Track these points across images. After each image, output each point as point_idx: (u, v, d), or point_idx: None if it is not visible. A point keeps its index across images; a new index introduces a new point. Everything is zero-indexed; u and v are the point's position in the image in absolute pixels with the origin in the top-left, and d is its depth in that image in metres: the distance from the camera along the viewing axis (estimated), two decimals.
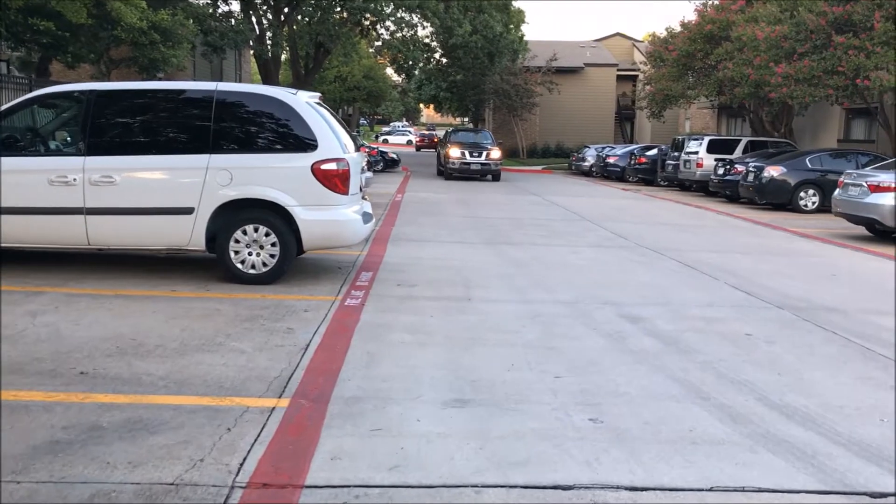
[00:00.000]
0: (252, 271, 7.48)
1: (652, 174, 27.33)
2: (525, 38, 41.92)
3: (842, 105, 21.67)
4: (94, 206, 7.36)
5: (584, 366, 5.23)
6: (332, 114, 8.18)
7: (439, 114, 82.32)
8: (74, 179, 7.34)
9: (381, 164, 29.91)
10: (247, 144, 7.58)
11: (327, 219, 7.48)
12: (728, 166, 20.50)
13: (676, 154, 24.44)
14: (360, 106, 70.48)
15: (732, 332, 6.27)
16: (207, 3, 27.16)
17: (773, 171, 18.11)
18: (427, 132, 74.32)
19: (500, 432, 4.01)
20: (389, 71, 54.37)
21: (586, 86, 46.73)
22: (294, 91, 7.91)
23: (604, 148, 33.10)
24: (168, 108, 7.82)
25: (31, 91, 11.60)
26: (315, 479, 3.42)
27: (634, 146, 32.18)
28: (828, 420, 4.34)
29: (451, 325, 6.23)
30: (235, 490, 3.28)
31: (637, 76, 42.08)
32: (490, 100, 43.80)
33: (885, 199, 12.33)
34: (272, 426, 3.98)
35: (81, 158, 7.40)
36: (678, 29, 27.55)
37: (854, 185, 13.03)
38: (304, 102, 7.62)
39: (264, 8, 29.50)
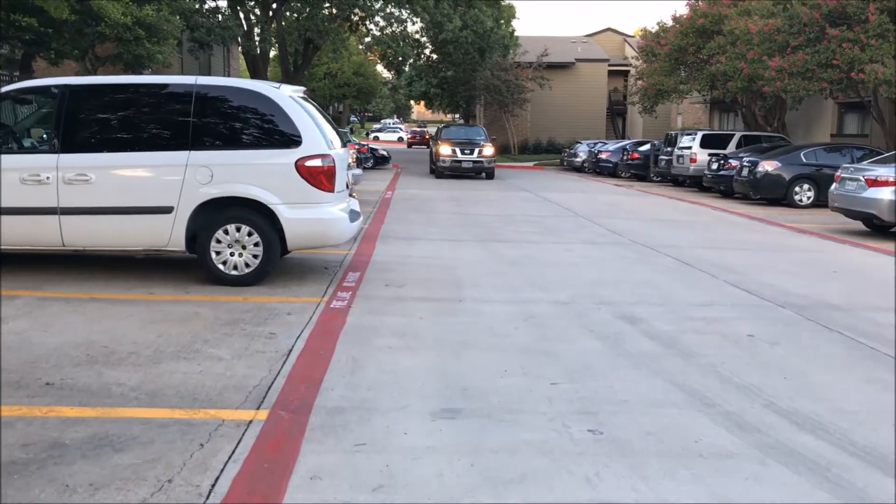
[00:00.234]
0: (234, 272, 7.19)
1: (645, 170, 27.10)
2: (516, 34, 41.74)
3: (836, 99, 21.50)
4: (68, 205, 7.06)
5: (580, 371, 4.97)
6: (317, 109, 7.90)
7: (430, 110, 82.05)
8: (48, 178, 7.04)
9: (371, 160, 29.62)
10: (228, 140, 7.28)
11: (312, 217, 7.20)
12: (722, 161, 20.29)
13: (669, 149, 24.19)
14: (350, 103, 70.15)
15: (734, 333, 6.02)
16: None
17: (768, 166, 17.89)
18: (418, 129, 73.95)
19: (493, 446, 3.74)
20: (379, 67, 54.13)
21: (577, 81, 46.50)
22: (277, 85, 7.62)
23: (596, 143, 32.85)
24: (146, 103, 7.51)
25: None
26: (292, 500, 3.16)
27: (627, 141, 31.93)
28: (840, 428, 4.09)
29: (441, 328, 5.96)
30: None
31: (628, 71, 41.93)
32: (481, 96, 43.52)
33: (883, 194, 12.12)
34: (248, 441, 3.71)
35: (55, 156, 7.09)
36: (670, 23, 27.33)
37: (851, 179, 12.81)
38: (288, 97, 7.33)
39: (252, 3, 29.11)
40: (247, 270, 7.19)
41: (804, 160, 17.99)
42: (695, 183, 22.82)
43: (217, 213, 7.13)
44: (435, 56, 40.66)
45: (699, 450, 3.76)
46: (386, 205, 15.72)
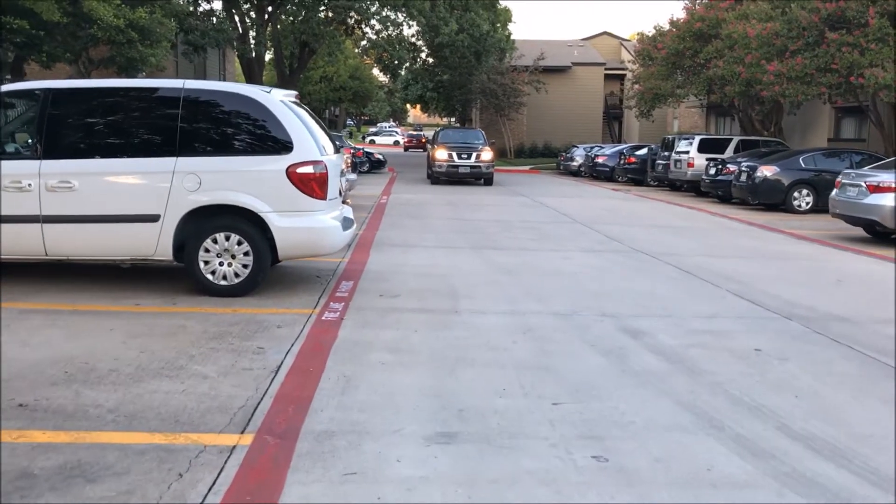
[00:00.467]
0: (223, 283, 6.95)
1: (642, 174, 26.91)
2: (512, 37, 41.47)
3: (833, 103, 21.31)
4: (50, 213, 6.82)
5: (583, 390, 4.74)
6: (309, 114, 7.67)
7: (426, 114, 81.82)
8: (29, 185, 6.80)
9: (367, 165, 29.38)
10: (217, 146, 7.05)
11: (304, 226, 6.96)
12: (720, 166, 20.09)
13: (667, 154, 24.01)
14: (346, 107, 69.93)
15: (741, 348, 5.80)
16: (187, 0, 26.50)
17: (767, 171, 17.71)
18: (414, 132, 73.73)
19: (492, 475, 3.51)
20: (375, 71, 53.91)
21: (574, 85, 46.37)
22: (268, 89, 7.40)
23: (592, 147, 32.66)
24: (132, 108, 7.27)
25: None
26: None
27: (624, 146, 31.76)
28: (859, 454, 3.86)
29: (437, 342, 5.73)
30: None
31: (625, 75, 41.71)
32: (477, 99, 43.35)
33: (886, 200, 11.92)
34: (231, 470, 3.47)
35: (37, 162, 6.85)
36: (667, 27, 27.16)
37: (853, 185, 12.62)
38: (279, 101, 7.11)
39: (247, 6, 28.86)
40: (236, 280, 6.96)
41: (803, 165, 17.81)
42: (692, 188, 22.63)
43: (206, 221, 6.89)
44: (431, 60, 40.42)
45: (711, 479, 3.54)
46: (381, 210, 15.48)
